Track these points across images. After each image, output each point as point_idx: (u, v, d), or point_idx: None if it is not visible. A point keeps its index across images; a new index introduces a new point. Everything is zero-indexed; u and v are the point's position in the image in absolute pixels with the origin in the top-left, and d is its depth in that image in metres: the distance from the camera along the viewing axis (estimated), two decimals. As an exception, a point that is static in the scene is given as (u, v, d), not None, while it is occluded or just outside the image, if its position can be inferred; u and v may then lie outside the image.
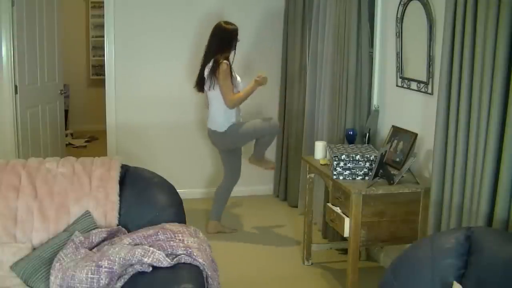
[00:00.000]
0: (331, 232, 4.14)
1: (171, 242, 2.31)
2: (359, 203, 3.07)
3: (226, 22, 4.29)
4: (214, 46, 4.23)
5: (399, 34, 3.57)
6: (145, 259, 2.19)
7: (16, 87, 4.49)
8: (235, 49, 4.29)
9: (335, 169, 3.25)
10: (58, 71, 5.25)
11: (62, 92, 5.36)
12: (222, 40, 4.21)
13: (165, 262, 2.20)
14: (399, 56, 3.60)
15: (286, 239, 4.37)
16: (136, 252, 2.20)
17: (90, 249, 2.42)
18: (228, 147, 4.39)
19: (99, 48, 8.01)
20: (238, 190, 5.39)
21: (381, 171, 3.16)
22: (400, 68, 3.62)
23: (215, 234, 4.37)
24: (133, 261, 2.20)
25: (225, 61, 4.11)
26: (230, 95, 4.14)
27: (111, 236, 2.50)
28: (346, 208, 3.16)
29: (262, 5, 5.23)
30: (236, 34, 4.26)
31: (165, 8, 5.09)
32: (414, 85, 3.48)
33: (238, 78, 4.27)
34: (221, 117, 4.24)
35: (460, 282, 2.02)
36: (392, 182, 3.13)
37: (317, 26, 4.49)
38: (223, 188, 4.50)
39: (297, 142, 5.00)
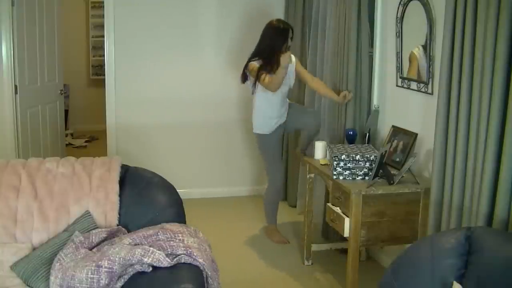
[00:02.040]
0: (331, 232, 4.14)
1: (171, 242, 2.31)
2: (359, 203, 3.07)
3: (278, 20, 4.18)
4: (255, 47, 4.13)
5: (399, 34, 3.57)
6: (145, 259, 2.19)
7: (16, 87, 4.49)
8: (286, 50, 4.02)
9: (335, 169, 3.25)
10: (58, 71, 5.25)
11: (62, 92, 5.36)
12: (262, 43, 4.09)
13: (165, 262, 2.20)
14: (399, 56, 3.60)
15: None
16: (136, 252, 2.20)
17: (90, 249, 2.42)
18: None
19: (99, 48, 8.02)
20: (238, 189, 5.41)
21: (381, 171, 3.17)
22: (400, 68, 3.62)
23: (214, 235, 4.36)
24: (133, 261, 2.20)
25: (252, 62, 4.04)
26: (266, 80, 3.94)
27: (111, 236, 2.50)
28: (346, 208, 3.16)
29: (262, 5, 5.23)
30: (283, 35, 4.06)
31: (165, 8, 5.09)
32: (414, 85, 3.48)
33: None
34: (257, 118, 4.22)
35: (460, 282, 2.02)
36: (392, 182, 3.13)
37: (317, 26, 4.48)
38: (264, 195, 4.44)
39: (297, 142, 5.00)
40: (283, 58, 3.86)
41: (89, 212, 2.58)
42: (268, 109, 4.14)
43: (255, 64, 4.03)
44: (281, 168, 4.40)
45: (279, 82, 3.92)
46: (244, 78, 4.19)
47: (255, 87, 4.10)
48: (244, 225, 4.68)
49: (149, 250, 2.21)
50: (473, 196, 2.57)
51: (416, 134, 3.39)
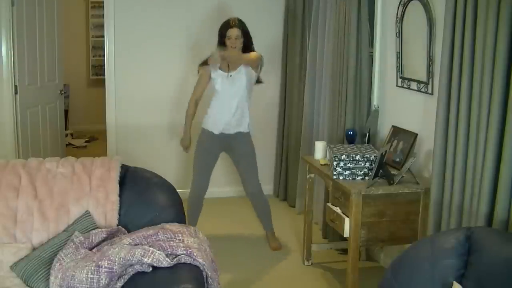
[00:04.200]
0: (331, 232, 4.14)
1: (171, 242, 2.31)
2: (359, 203, 3.06)
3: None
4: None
5: (399, 34, 3.57)
6: (145, 259, 2.19)
7: (16, 87, 4.49)
8: (222, 45, 3.98)
9: (335, 169, 3.25)
10: (58, 71, 5.25)
11: (62, 92, 5.36)
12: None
13: (165, 262, 2.20)
14: (399, 56, 3.60)
15: (286, 239, 4.37)
16: (136, 252, 2.20)
17: (90, 249, 2.42)
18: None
19: (99, 48, 8.01)
20: (238, 189, 5.39)
21: (381, 171, 3.16)
22: (400, 68, 3.62)
23: (211, 235, 4.33)
24: (133, 261, 2.20)
25: (200, 65, 4.01)
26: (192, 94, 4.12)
27: (111, 236, 2.50)
28: (346, 208, 3.16)
29: (262, 5, 5.23)
30: (221, 29, 3.99)
31: (165, 8, 5.09)
32: (414, 85, 3.48)
33: (217, 85, 3.99)
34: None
35: (460, 282, 2.02)
36: (392, 182, 3.12)
37: (317, 26, 4.49)
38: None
39: (296, 142, 5.01)
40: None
41: (89, 212, 2.58)
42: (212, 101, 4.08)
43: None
44: (196, 180, 4.16)
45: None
46: None
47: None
48: (243, 225, 4.68)
49: (149, 250, 2.21)
50: (473, 196, 2.57)
51: (416, 134, 3.39)
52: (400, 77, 3.64)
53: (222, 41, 3.99)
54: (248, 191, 4.19)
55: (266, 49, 5.26)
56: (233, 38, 3.93)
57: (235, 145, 4.09)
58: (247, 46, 4.02)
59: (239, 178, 5.34)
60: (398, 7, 3.54)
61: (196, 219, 4.15)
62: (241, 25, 3.98)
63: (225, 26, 3.98)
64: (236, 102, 3.97)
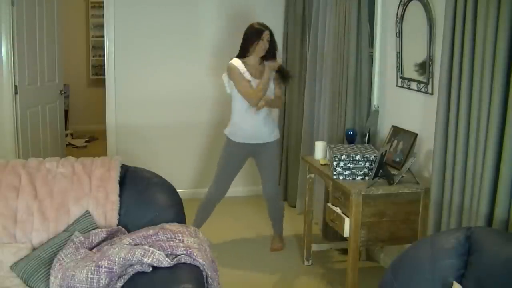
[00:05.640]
0: (331, 232, 4.14)
1: (171, 242, 2.31)
2: (359, 203, 3.07)
3: (258, 23, 3.90)
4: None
5: (399, 34, 3.57)
6: (145, 259, 2.19)
7: (16, 87, 4.49)
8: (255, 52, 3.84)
9: (335, 169, 3.25)
10: (58, 71, 5.25)
11: (62, 92, 5.36)
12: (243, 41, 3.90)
13: (165, 262, 2.20)
14: (399, 56, 3.60)
15: (286, 239, 4.37)
16: (136, 252, 2.20)
17: (90, 249, 2.42)
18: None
19: (99, 48, 8.01)
20: (238, 190, 5.40)
21: (381, 171, 3.16)
22: (400, 68, 3.62)
23: (211, 235, 4.32)
24: (133, 261, 2.20)
25: (232, 60, 3.84)
26: (249, 91, 3.77)
27: (111, 236, 2.50)
28: (346, 208, 3.16)
29: (262, 5, 5.23)
30: (253, 35, 3.82)
31: (165, 8, 5.09)
32: (414, 85, 3.48)
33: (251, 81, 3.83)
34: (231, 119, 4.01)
35: (460, 282, 2.02)
36: (392, 182, 3.13)
37: (317, 26, 4.49)
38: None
39: (296, 142, 5.01)
40: (270, 66, 3.78)
41: (89, 212, 2.58)
42: (238, 116, 3.93)
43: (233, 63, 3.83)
44: (218, 185, 4.05)
45: (259, 96, 3.75)
46: None
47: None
48: (243, 225, 4.68)
49: (149, 250, 2.21)
50: (473, 196, 2.57)
51: (416, 134, 3.39)
52: (400, 77, 3.64)
53: (247, 46, 3.84)
54: (264, 192, 4.13)
55: (266, 49, 5.27)
56: (265, 40, 3.83)
57: (261, 152, 4.02)
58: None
59: (238, 178, 5.35)
60: (398, 7, 3.54)
61: (202, 224, 4.04)
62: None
63: (259, 31, 3.82)
64: (264, 111, 3.89)
